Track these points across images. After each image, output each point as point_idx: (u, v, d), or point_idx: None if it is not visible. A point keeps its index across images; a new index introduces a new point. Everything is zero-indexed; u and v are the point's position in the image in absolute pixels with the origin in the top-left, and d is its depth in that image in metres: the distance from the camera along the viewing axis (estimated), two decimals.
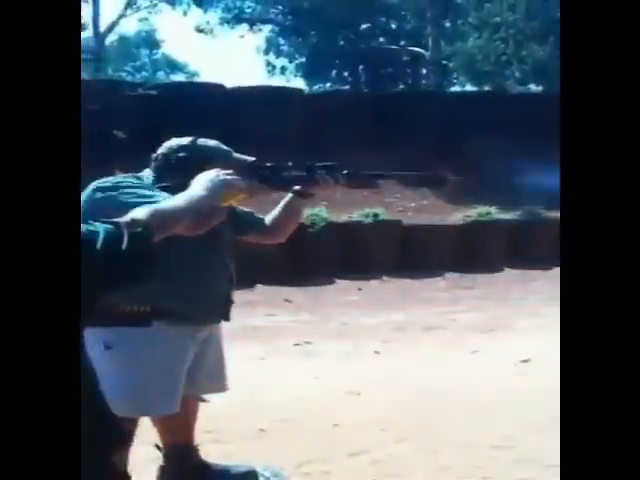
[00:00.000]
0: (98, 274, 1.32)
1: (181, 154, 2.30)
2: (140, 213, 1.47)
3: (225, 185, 1.85)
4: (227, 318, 2.55)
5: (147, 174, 2.34)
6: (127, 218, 1.42)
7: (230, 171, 1.97)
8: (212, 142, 2.38)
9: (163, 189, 2.19)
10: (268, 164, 2.34)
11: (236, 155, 2.38)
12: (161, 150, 2.35)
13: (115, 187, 2.17)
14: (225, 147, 2.40)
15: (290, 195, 2.53)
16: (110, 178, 2.25)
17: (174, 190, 2.17)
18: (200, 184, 1.81)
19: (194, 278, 2.28)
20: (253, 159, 2.37)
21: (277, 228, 2.60)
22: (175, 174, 2.22)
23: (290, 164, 2.41)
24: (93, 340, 2.24)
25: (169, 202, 1.66)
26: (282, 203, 2.57)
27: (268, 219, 2.61)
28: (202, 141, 2.36)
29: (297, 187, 2.46)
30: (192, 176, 2.22)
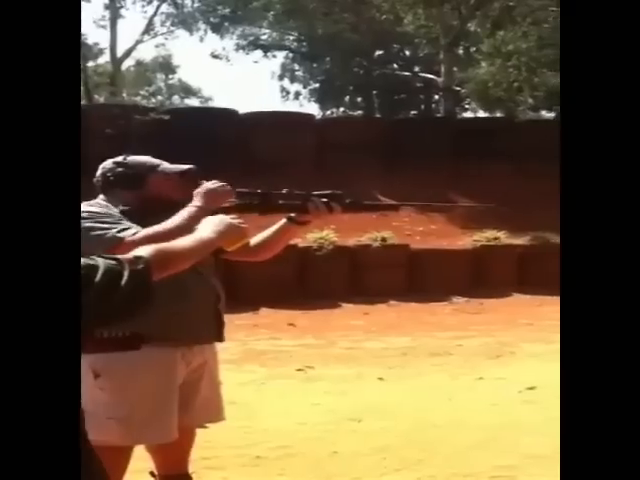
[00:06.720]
0: (94, 307, 1.35)
1: (118, 170, 2.39)
2: (144, 251, 1.54)
3: (234, 229, 1.93)
4: (220, 338, 2.50)
5: (99, 199, 2.40)
6: (130, 255, 1.49)
7: (235, 215, 2.02)
8: (142, 157, 2.47)
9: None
10: (259, 190, 2.39)
11: (163, 166, 2.42)
12: (99, 172, 2.44)
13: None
14: (155, 160, 2.46)
15: (283, 221, 2.53)
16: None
17: None
18: (208, 227, 1.87)
19: (179, 297, 2.24)
20: (185, 168, 2.40)
21: (264, 248, 2.59)
22: (116, 189, 2.36)
23: (284, 191, 2.45)
24: (82, 370, 2.20)
25: (175, 243, 1.70)
26: (274, 227, 2.56)
27: (255, 240, 2.59)
28: (133, 157, 2.45)
29: (292, 214, 2.48)
30: (129, 188, 2.28)
